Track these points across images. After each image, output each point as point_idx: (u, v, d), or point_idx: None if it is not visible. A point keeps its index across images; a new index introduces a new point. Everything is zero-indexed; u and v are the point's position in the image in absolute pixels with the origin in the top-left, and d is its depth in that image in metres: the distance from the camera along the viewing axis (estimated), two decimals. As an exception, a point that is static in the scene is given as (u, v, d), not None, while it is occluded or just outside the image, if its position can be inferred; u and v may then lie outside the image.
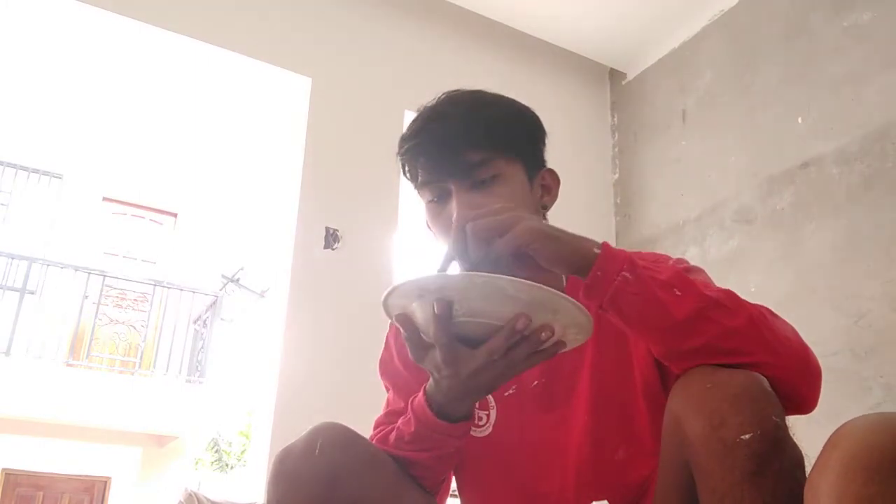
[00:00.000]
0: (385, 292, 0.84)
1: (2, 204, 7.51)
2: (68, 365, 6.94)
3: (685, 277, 0.86)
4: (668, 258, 1.03)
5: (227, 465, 7.48)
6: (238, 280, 8.01)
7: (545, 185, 1.11)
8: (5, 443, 7.14)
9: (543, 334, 0.81)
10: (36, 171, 7.56)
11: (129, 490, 7.80)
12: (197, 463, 7.71)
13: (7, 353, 6.46)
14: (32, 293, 7.00)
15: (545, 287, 0.79)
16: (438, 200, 1.03)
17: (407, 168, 1.08)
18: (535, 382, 1.07)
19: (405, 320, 0.85)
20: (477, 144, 1.01)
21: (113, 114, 6.19)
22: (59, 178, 7.66)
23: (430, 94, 1.10)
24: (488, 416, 1.07)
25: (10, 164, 7.42)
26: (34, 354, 6.61)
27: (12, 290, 6.93)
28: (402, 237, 2.91)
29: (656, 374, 1.01)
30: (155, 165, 7.14)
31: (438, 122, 1.04)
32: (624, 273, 0.84)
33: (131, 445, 7.75)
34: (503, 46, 3.42)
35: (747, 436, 0.73)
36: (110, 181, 7.65)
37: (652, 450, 0.95)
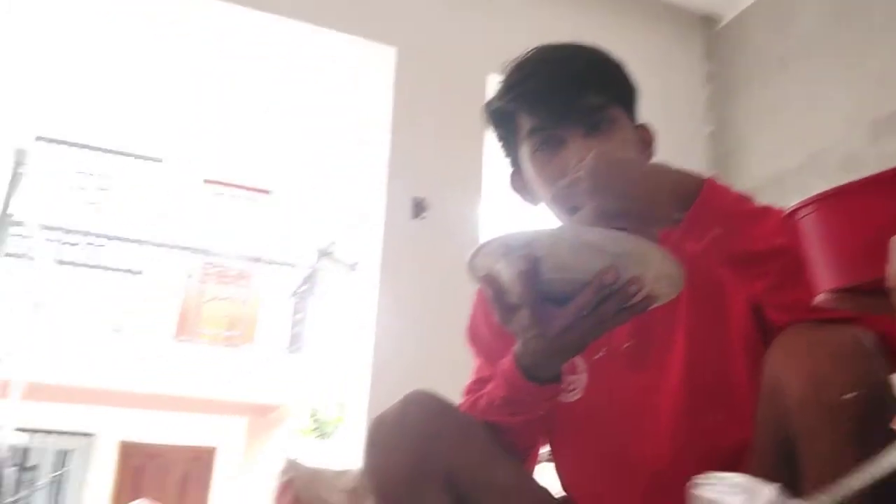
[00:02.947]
0: (470, 252, 0.82)
1: (103, 189, 7.91)
2: (176, 340, 7.31)
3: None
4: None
5: (326, 433, 7.73)
6: (331, 253, 8.19)
7: (643, 140, 1.08)
8: (121, 416, 7.61)
9: (633, 287, 0.78)
10: (136, 156, 7.91)
11: (235, 459, 8.20)
12: (298, 432, 8.00)
13: (119, 330, 6.85)
14: (140, 273, 7.39)
15: (635, 237, 0.76)
16: (545, 149, 0.99)
17: (505, 120, 1.04)
18: (627, 344, 1.02)
19: (491, 281, 0.83)
20: (596, 87, 0.98)
21: (207, 97, 6.39)
22: (159, 161, 8.00)
23: (515, 56, 1.05)
24: (578, 380, 1.04)
25: (111, 150, 7.80)
26: (144, 331, 6.99)
27: (121, 271, 7.33)
28: (488, 204, 2.89)
29: (756, 329, 0.95)
30: (249, 145, 7.35)
31: (554, 66, 1.00)
32: (730, 206, 0.80)
33: (237, 416, 8.12)
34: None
35: (851, 396, 0.69)
36: (209, 163, 7.95)
37: (751, 412, 0.90)
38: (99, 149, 7.70)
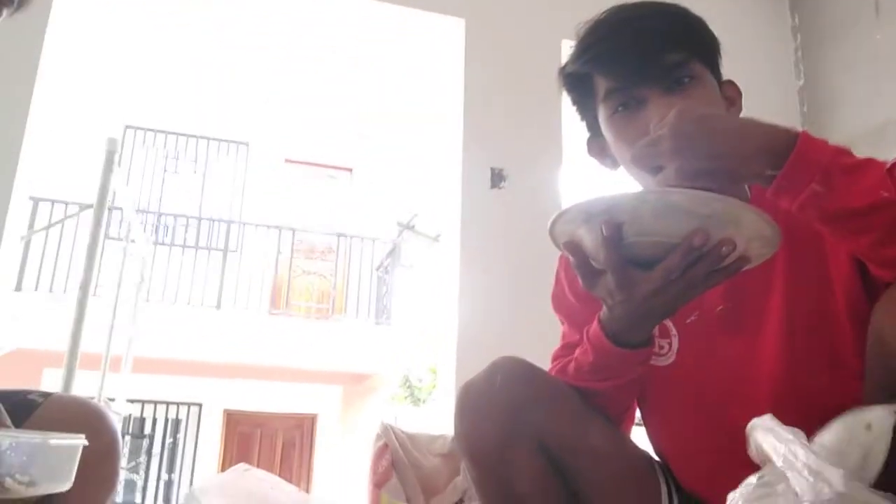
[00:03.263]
0: (551, 219, 0.82)
1: (196, 172, 8.22)
2: (271, 314, 7.59)
3: None
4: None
5: (419, 399, 7.89)
6: (413, 227, 8.29)
7: (729, 97, 1.04)
8: (225, 386, 7.98)
9: (724, 249, 0.75)
10: (226, 140, 8.19)
11: (334, 425, 8.49)
12: (392, 398, 8.19)
13: (217, 306, 7.16)
14: (234, 252, 7.68)
15: (724, 197, 0.74)
16: (625, 110, 0.96)
17: (580, 83, 1.02)
18: (720, 307, 0.99)
19: (573, 247, 0.82)
20: (675, 43, 0.95)
21: (288, 80, 6.55)
22: (246, 145, 8.26)
23: (589, 18, 1.03)
24: (670, 344, 1.02)
25: (203, 137, 8.09)
26: (240, 306, 7.28)
27: (216, 249, 7.64)
28: (567, 170, 2.86)
29: (860, 286, 0.90)
30: (329, 125, 7.50)
31: (629, 24, 0.97)
32: (827, 160, 0.75)
33: (333, 384, 8.40)
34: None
35: None
36: (291, 144, 8.14)
37: (858, 372, 0.86)
38: (187, 135, 8.02)
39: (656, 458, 1.09)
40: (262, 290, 7.57)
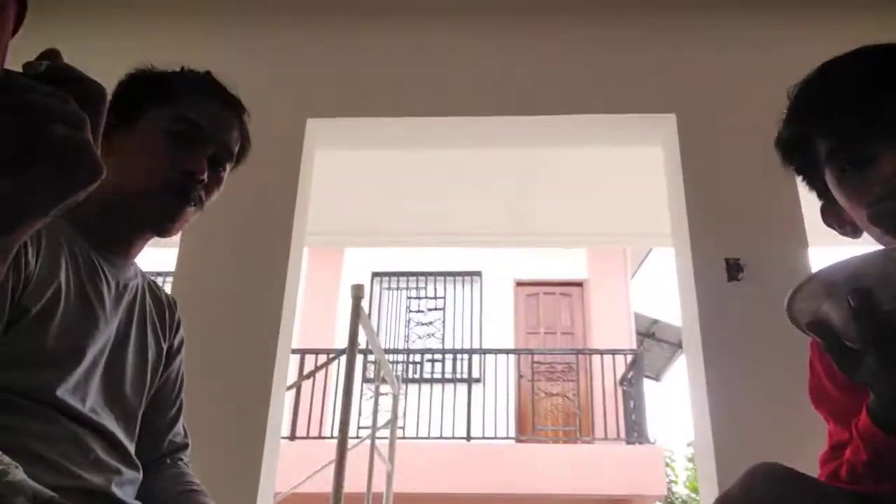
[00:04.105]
0: (786, 298, 0.72)
1: (439, 309, 8.66)
2: (518, 441, 7.54)
3: None
4: None
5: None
6: (654, 334, 7.97)
7: None
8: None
9: None
10: (460, 273, 8.62)
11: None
12: (657, 524, 7.63)
13: (467, 437, 7.27)
14: (477, 381, 7.86)
15: None
16: (852, 169, 0.87)
17: (799, 148, 0.94)
18: None
19: (820, 327, 0.71)
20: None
21: (508, 205, 6.83)
22: (479, 274, 8.62)
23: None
24: None
25: (440, 273, 8.60)
26: (489, 435, 7.33)
27: (461, 381, 7.87)
28: (813, 250, 2.61)
29: None
30: (555, 244, 7.64)
31: (841, 76, 0.90)
32: None
33: (589, 511, 8.02)
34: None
35: None
36: (520, 267, 8.36)
37: None
38: (426, 273, 8.57)
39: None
40: (507, 416, 7.60)
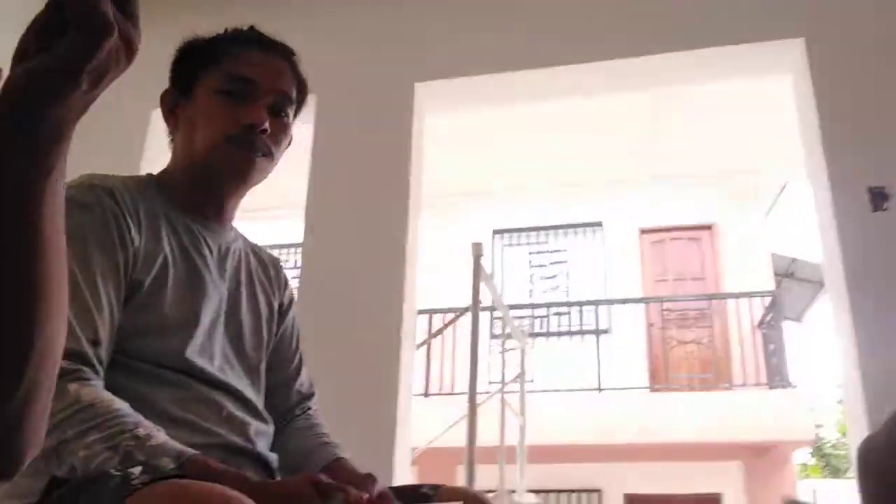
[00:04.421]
0: None
1: (562, 262, 8.58)
2: (652, 390, 7.41)
3: None
4: None
5: (838, 469, 6.92)
6: (793, 274, 7.56)
7: None
8: (621, 470, 7.88)
9: None
10: (581, 225, 8.48)
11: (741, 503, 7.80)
12: (806, 470, 7.31)
13: (598, 388, 7.22)
14: (606, 332, 7.75)
15: None
16: None
17: None
18: None
19: None
20: None
21: (631, 152, 6.64)
22: (600, 225, 8.45)
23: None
24: None
25: (560, 226, 8.50)
26: (620, 386, 7.24)
27: (589, 332, 7.79)
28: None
29: None
30: (683, 186, 7.37)
31: None
32: None
33: (731, 460, 7.77)
34: None
35: None
36: (643, 215, 8.13)
37: None
38: (546, 227, 8.49)
39: None
40: (639, 366, 7.47)
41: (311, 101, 3.38)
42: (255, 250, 1.24)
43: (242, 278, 1.15)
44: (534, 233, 8.59)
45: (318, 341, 2.87)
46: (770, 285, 7.65)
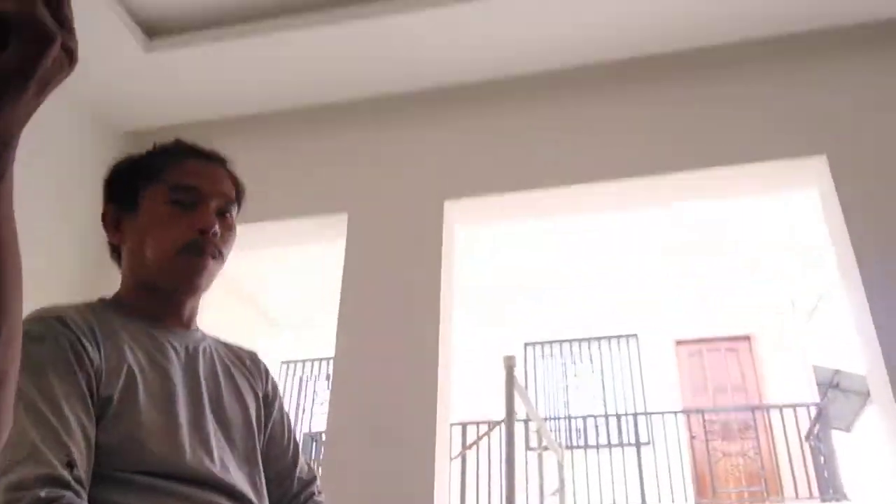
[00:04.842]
0: None
1: (597, 373, 8.44)
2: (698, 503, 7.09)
3: None
4: None
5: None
6: (838, 385, 7.32)
7: None
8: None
9: None
10: (616, 337, 8.41)
11: None
12: None
13: (642, 503, 6.92)
14: (647, 444, 7.51)
15: None
16: None
17: None
18: None
19: None
20: None
21: (669, 265, 6.64)
22: (635, 336, 8.35)
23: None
24: None
25: (594, 338, 8.42)
26: (665, 500, 6.94)
27: (629, 445, 7.55)
28: None
29: None
30: (721, 295, 7.31)
31: None
32: None
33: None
34: None
35: None
36: (679, 326, 8.04)
37: None
38: (578, 339, 8.42)
39: None
40: (683, 479, 7.18)
41: (341, 218, 3.47)
42: (228, 346, 1.24)
43: (219, 372, 1.15)
44: (567, 344, 8.53)
45: (351, 454, 2.85)
46: (814, 394, 7.42)
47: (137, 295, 1.12)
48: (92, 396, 0.95)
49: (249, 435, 1.13)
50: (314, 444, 8.25)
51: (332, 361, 3.20)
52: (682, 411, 7.64)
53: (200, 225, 1.10)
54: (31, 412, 0.87)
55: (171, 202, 1.12)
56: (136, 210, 1.14)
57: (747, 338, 8.16)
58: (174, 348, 1.10)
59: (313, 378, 8.57)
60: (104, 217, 1.17)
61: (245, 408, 1.15)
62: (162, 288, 1.12)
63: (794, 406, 7.28)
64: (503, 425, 3.22)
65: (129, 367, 1.01)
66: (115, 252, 1.18)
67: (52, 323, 0.98)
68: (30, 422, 0.86)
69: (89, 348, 0.98)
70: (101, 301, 1.13)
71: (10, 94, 0.43)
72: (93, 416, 0.94)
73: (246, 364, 1.23)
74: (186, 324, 1.16)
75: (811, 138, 2.84)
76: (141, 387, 1.00)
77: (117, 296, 1.15)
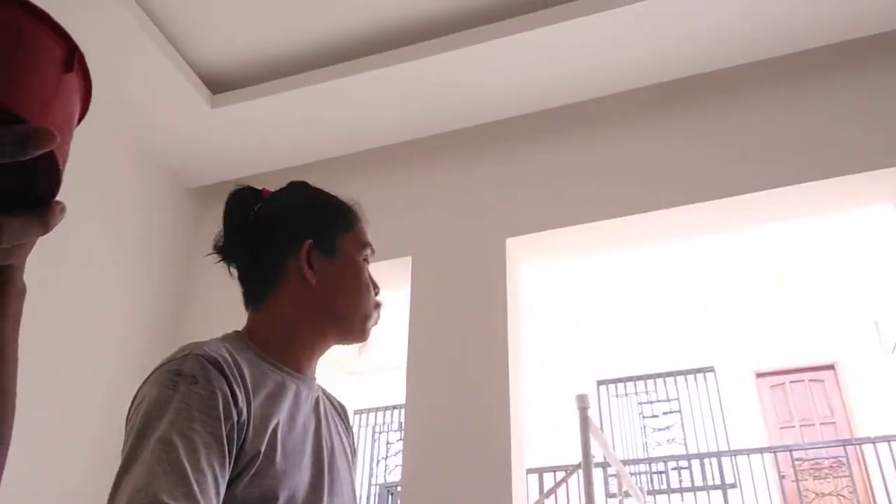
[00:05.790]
0: None
1: (674, 411, 8.15)
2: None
3: None
4: None
5: None
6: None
7: None
8: None
9: None
10: (692, 371, 8.12)
11: None
12: None
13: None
14: (734, 486, 7.17)
15: None
16: None
17: None
18: None
19: None
20: None
21: (739, 288, 6.43)
22: (712, 370, 8.06)
23: None
24: None
25: (668, 373, 8.16)
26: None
27: (714, 488, 7.22)
28: None
29: None
30: (801, 326, 7.04)
31: None
32: None
33: None
34: None
35: None
36: (757, 356, 7.73)
37: None
38: (652, 375, 8.17)
39: None
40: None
41: (405, 262, 3.47)
42: (329, 396, 1.21)
43: (331, 431, 1.12)
44: (641, 381, 8.28)
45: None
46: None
47: (295, 334, 1.09)
48: (230, 448, 0.90)
49: (352, 491, 1.12)
50: (390, 496, 8.15)
51: (402, 410, 3.16)
52: (767, 449, 7.28)
53: (379, 298, 1.15)
54: (166, 456, 0.82)
55: (363, 261, 1.14)
56: (335, 255, 1.12)
57: (832, 366, 7.77)
58: (305, 398, 1.08)
59: (386, 427, 8.50)
60: (308, 248, 1.11)
61: (348, 470, 1.13)
62: (333, 337, 1.12)
63: (888, 439, 6.85)
64: (580, 471, 3.11)
65: (277, 423, 0.98)
66: (284, 284, 1.11)
67: (206, 364, 0.93)
68: (161, 469, 0.81)
69: (240, 398, 0.94)
70: (238, 336, 1.08)
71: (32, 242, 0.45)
72: (227, 471, 0.89)
73: (342, 417, 1.21)
74: (313, 371, 1.14)
75: (887, 149, 2.72)
76: (280, 443, 0.97)
77: (258, 333, 1.09)
